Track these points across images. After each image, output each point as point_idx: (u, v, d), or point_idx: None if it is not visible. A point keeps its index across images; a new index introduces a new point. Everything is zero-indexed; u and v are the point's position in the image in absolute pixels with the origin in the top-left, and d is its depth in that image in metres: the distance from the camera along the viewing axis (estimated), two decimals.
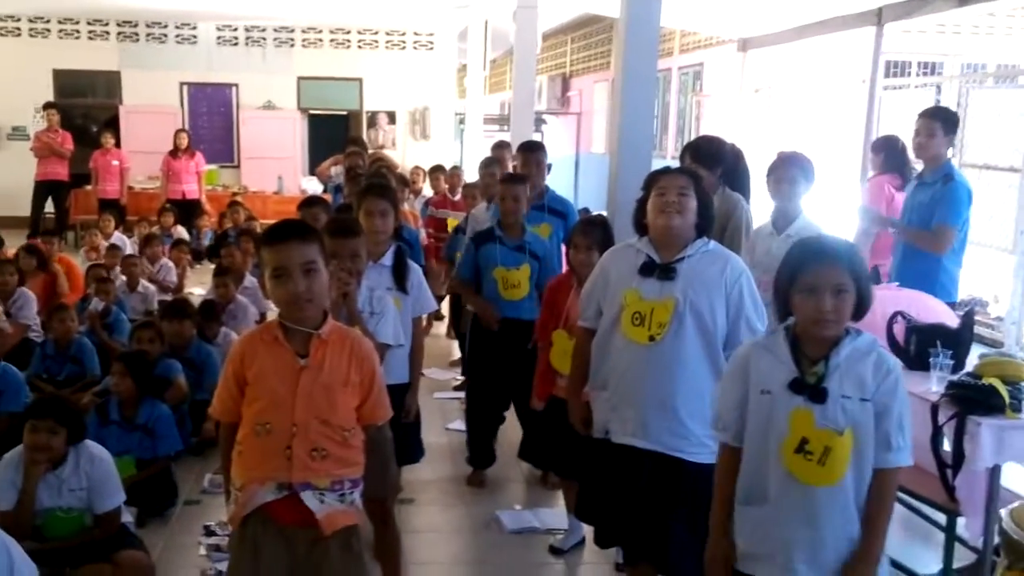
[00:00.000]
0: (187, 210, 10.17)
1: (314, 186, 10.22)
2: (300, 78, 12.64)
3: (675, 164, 3.34)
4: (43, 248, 6.50)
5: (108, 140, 10.70)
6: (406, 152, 12.58)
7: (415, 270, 3.30)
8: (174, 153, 10.44)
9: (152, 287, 6.58)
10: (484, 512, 3.89)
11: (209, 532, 3.62)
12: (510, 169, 5.24)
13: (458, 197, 6.89)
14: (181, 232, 9.40)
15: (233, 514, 2.20)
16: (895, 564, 2.96)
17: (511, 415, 4.25)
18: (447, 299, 6.51)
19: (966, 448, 2.78)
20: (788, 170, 3.61)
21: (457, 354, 6.05)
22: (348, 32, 12.70)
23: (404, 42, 12.85)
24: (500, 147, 6.04)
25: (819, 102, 8.98)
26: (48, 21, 12.09)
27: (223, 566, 3.11)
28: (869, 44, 7.47)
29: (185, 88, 12.42)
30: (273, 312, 2.35)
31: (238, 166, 12.50)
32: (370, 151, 8.13)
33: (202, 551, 3.48)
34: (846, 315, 1.97)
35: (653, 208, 2.57)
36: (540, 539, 3.64)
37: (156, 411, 3.90)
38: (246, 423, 2.17)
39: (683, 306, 2.50)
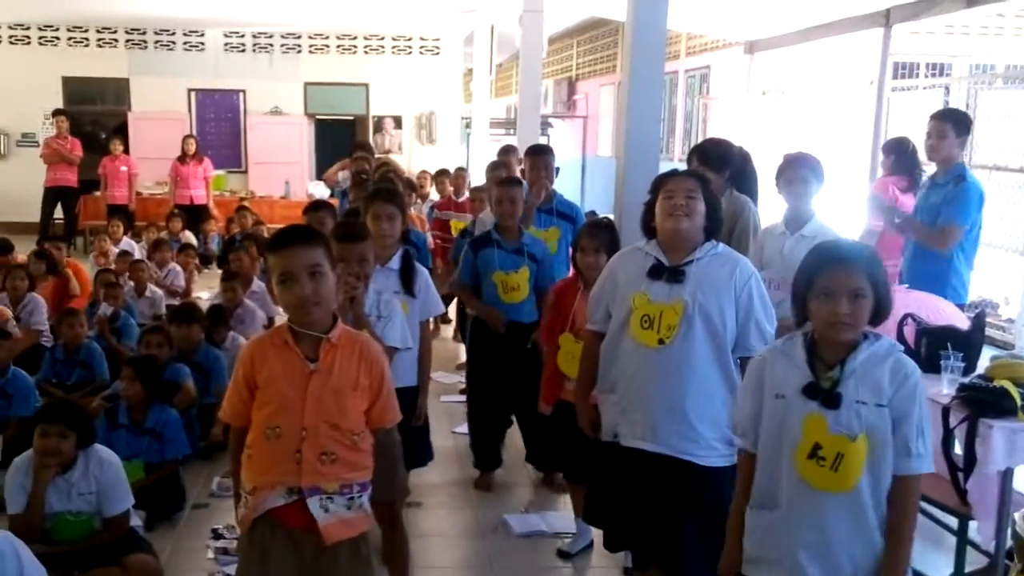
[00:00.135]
0: (195, 215, 10.21)
1: (321, 191, 10.25)
2: (307, 84, 12.68)
3: (682, 167, 3.32)
4: (53, 253, 6.53)
5: (117, 146, 10.74)
6: (412, 156, 12.60)
7: (422, 273, 3.31)
8: (182, 159, 10.48)
9: (160, 292, 6.60)
10: (492, 516, 3.88)
11: (217, 535, 3.62)
12: (517, 173, 5.23)
13: (463, 198, 6.88)
14: (189, 237, 9.44)
15: (243, 517, 2.20)
16: None
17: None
18: (454, 302, 6.50)
19: (978, 451, 2.76)
20: (798, 170, 3.60)
21: (463, 357, 6.04)
22: (355, 38, 12.73)
23: (410, 47, 12.87)
24: (507, 152, 6.04)
25: (827, 104, 8.94)
26: (57, 29, 12.16)
27: (231, 569, 3.11)
28: (877, 46, 7.43)
29: (193, 94, 12.47)
30: (281, 316, 2.35)
31: (245, 171, 12.54)
32: (376, 156, 8.16)
33: (210, 554, 3.49)
34: (863, 320, 1.95)
35: (661, 211, 2.56)
36: (548, 543, 3.63)
37: (165, 415, 3.91)
38: (256, 427, 2.17)
39: (692, 309, 2.49)
